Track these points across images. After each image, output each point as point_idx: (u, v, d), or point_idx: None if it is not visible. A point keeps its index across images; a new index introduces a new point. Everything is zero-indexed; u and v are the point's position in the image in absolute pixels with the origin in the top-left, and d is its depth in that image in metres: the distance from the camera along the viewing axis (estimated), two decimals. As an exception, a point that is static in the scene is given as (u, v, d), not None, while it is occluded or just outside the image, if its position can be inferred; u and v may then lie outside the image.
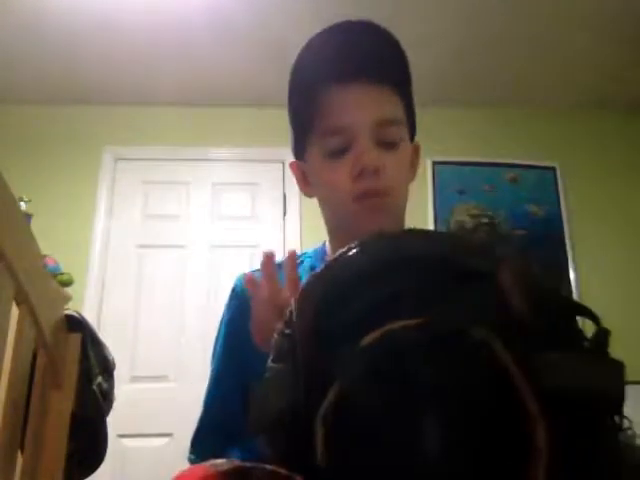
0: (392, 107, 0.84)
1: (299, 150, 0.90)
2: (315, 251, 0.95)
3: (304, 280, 0.53)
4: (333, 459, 0.42)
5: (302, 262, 0.93)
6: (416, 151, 0.91)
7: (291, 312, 0.51)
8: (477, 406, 0.40)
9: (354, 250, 0.52)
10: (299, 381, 0.45)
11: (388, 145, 0.82)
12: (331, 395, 0.42)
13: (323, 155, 0.83)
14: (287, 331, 0.51)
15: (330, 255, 0.91)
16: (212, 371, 0.91)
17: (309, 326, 0.48)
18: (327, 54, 0.81)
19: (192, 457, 0.87)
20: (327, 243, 0.94)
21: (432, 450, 0.40)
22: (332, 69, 0.82)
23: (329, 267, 0.53)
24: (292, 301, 0.52)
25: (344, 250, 0.53)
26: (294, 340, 0.48)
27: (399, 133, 0.84)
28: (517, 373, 0.40)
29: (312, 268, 0.90)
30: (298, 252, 0.99)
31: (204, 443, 0.86)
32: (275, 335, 0.53)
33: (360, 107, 0.82)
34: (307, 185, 0.91)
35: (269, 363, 0.53)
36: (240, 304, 0.88)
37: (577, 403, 0.40)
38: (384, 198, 0.82)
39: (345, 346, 0.43)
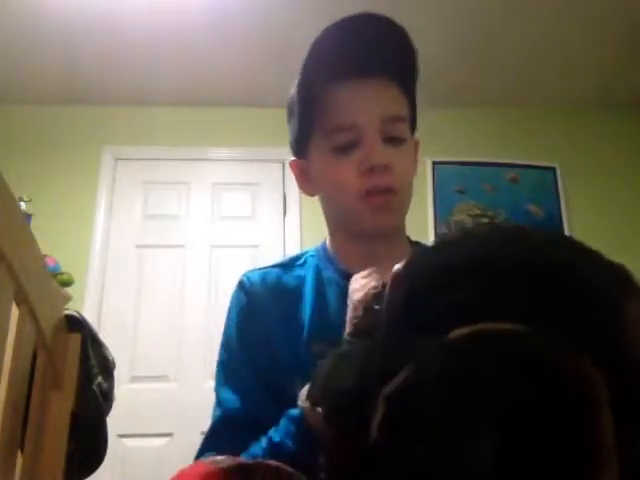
0: (397, 104, 0.84)
1: (301, 148, 0.89)
2: (317, 250, 0.94)
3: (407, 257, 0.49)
4: (385, 442, 0.39)
5: (305, 262, 0.92)
6: (416, 147, 0.91)
7: (384, 286, 0.48)
8: (545, 435, 0.36)
9: (464, 237, 0.47)
10: (376, 359, 0.42)
11: (395, 142, 0.82)
12: (399, 378, 0.39)
13: (329, 151, 0.83)
14: (376, 306, 0.49)
15: (332, 253, 0.91)
16: (227, 368, 0.86)
17: (399, 305, 0.45)
18: (332, 51, 0.80)
19: (212, 454, 0.82)
20: (327, 241, 0.93)
21: (485, 465, 0.36)
22: (337, 66, 0.81)
23: (435, 248, 0.49)
24: (388, 276, 0.48)
25: (455, 234, 0.49)
26: (380, 317, 0.46)
27: (405, 129, 0.85)
28: (607, 415, 0.35)
29: (317, 267, 0.90)
30: (299, 251, 0.98)
31: (223, 439, 0.80)
32: (361, 308, 0.51)
33: (367, 104, 0.82)
34: (307, 183, 0.90)
35: (346, 336, 0.51)
36: (249, 299, 0.87)
37: None
38: (393, 195, 0.81)
39: (429, 334, 0.40)
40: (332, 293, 0.85)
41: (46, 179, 3.04)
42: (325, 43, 0.80)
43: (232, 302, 0.90)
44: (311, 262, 0.92)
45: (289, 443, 0.67)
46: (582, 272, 0.42)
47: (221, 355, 0.88)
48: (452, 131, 3.24)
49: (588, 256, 0.43)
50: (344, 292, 0.78)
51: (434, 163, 3.20)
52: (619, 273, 0.42)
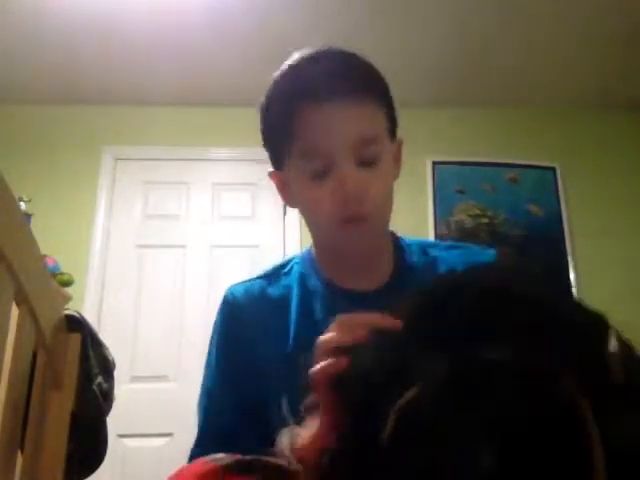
0: (370, 123, 0.81)
1: (278, 163, 0.87)
2: (302, 257, 0.94)
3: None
4: (394, 453, 0.42)
5: (291, 269, 0.92)
6: (399, 148, 0.89)
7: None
8: (542, 449, 0.40)
9: (486, 269, 0.53)
10: (390, 358, 0.46)
11: (369, 163, 0.80)
12: (410, 393, 0.42)
13: (304, 174, 0.81)
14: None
15: (317, 261, 0.91)
16: (206, 384, 0.88)
17: (409, 325, 0.49)
18: (300, 77, 0.80)
19: None
20: (313, 249, 0.93)
21: None
22: (305, 90, 0.79)
23: (454, 276, 0.54)
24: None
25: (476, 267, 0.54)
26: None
27: (379, 149, 0.82)
28: (593, 426, 0.40)
29: (301, 276, 0.90)
30: (298, 252, 0.98)
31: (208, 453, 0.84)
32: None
33: (337, 128, 0.79)
34: (288, 195, 0.89)
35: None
36: (232, 316, 0.88)
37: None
38: (367, 224, 0.80)
39: (437, 353, 0.44)
40: (317, 304, 0.85)
41: (46, 179, 3.04)
42: (291, 72, 0.81)
43: (216, 319, 0.91)
44: (296, 270, 0.91)
45: None
46: (565, 305, 0.48)
47: (203, 376, 0.89)
48: (452, 131, 3.24)
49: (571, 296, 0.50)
50: (328, 304, 0.83)
51: (434, 163, 3.20)
52: (597, 315, 0.48)
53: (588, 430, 0.39)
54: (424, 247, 0.93)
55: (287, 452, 0.63)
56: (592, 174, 3.27)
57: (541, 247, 3.10)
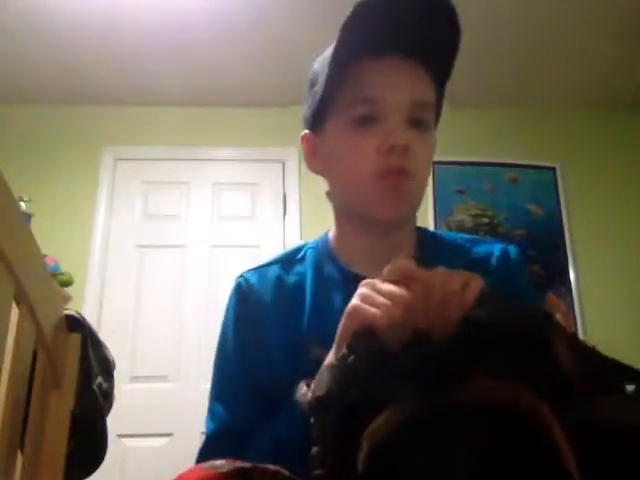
0: (427, 89, 0.80)
1: (317, 120, 0.83)
2: (317, 243, 0.90)
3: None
4: (369, 474, 0.43)
5: (305, 255, 0.88)
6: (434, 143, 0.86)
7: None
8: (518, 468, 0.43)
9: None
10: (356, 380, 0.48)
11: (420, 126, 0.78)
12: (382, 417, 0.44)
13: (348, 123, 0.78)
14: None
15: (333, 247, 0.87)
16: (221, 374, 0.84)
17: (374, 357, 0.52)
18: (373, 24, 0.74)
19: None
20: (330, 233, 0.89)
21: None
22: (374, 38, 0.76)
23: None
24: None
25: None
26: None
27: (430, 117, 0.80)
28: (560, 434, 0.42)
29: (317, 263, 0.86)
30: (300, 243, 0.94)
31: (217, 450, 0.77)
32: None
33: (400, 82, 0.77)
34: (316, 161, 0.85)
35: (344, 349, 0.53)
36: (246, 303, 0.84)
37: (627, 438, 0.43)
38: (409, 180, 0.77)
39: (408, 380, 0.46)
40: (332, 292, 0.81)
41: (46, 179, 3.04)
42: (367, 13, 0.73)
43: (228, 306, 0.87)
44: (310, 256, 0.88)
45: (294, 432, 0.64)
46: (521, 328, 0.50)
47: (216, 363, 0.85)
48: (452, 131, 3.23)
49: (518, 311, 0.53)
50: (344, 292, 0.75)
51: (434, 163, 3.16)
52: (543, 315, 0.52)
53: (550, 427, 0.42)
54: (449, 239, 0.90)
55: None
56: (592, 174, 3.27)
57: (541, 247, 3.10)
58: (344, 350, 0.53)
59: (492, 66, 3.04)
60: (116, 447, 2.42)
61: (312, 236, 0.94)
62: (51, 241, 2.33)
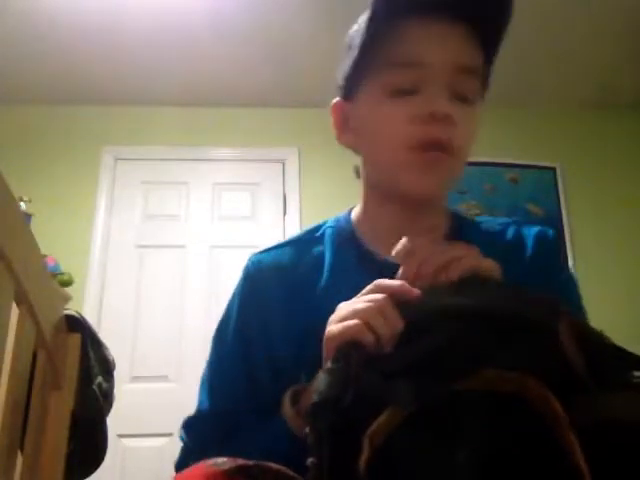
0: (474, 55, 0.72)
1: (351, 87, 0.77)
2: (337, 220, 0.85)
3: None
4: (371, 476, 0.43)
5: (323, 234, 0.83)
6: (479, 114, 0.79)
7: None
8: (524, 460, 0.42)
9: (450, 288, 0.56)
10: (348, 385, 0.47)
11: (463, 98, 0.71)
12: (383, 417, 0.43)
13: (383, 90, 0.71)
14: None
15: (355, 227, 0.82)
16: (218, 354, 0.80)
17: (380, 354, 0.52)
18: None
19: (186, 440, 0.78)
20: (354, 212, 0.84)
21: None
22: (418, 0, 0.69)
23: (423, 293, 0.57)
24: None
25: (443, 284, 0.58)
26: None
27: (476, 87, 0.73)
28: (568, 427, 0.41)
29: (336, 243, 0.81)
30: (319, 222, 0.88)
31: (203, 428, 0.77)
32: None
33: (442, 44, 0.70)
34: (346, 131, 0.79)
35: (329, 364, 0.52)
36: (253, 287, 0.81)
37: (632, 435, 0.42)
38: (447, 155, 0.70)
39: (408, 379, 0.45)
40: (350, 274, 0.76)
41: (46, 179, 3.04)
42: None
43: (235, 290, 0.84)
44: (329, 235, 0.83)
45: (280, 447, 0.63)
46: (523, 314, 0.50)
47: (212, 346, 0.82)
48: (452, 131, 3.24)
49: (524, 300, 0.52)
50: (364, 274, 0.67)
51: (434, 163, 3.19)
52: (550, 304, 0.51)
53: (560, 422, 0.41)
54: (485, 224, 0.85)
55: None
56: (592, 174, 3.27)
57: (541, 247, 3.09)
58: (334, 356, 0.53)
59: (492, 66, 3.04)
60: (116, 447, 2.42)
61: (312, 236, 0.93)
62: (51, 241, 2.33)
